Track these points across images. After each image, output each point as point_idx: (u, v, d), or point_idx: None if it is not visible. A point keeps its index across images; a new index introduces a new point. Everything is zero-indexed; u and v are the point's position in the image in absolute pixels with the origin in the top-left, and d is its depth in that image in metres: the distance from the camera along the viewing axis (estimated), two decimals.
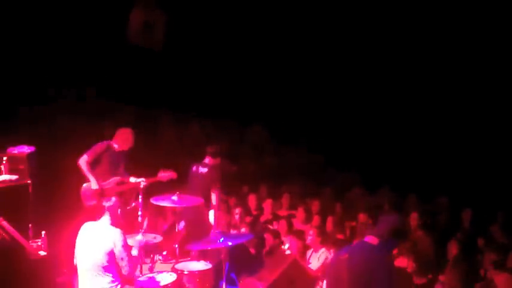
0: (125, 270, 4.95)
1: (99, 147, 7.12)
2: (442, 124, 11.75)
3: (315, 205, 9.26)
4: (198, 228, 7.06)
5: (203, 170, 7.18)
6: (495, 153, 10.76)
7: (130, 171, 7.23)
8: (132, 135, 7.34)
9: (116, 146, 7.23)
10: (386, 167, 11.42)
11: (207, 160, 7.26)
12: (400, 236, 4.04)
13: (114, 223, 5.02)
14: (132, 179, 7.06)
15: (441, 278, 6.07)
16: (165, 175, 7.08)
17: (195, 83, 11.98)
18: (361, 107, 12.56)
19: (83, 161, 6.97)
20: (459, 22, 10.89)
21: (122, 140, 7.25)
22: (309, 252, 7.02)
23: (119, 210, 5.07)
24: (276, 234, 7.62)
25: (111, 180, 7.06)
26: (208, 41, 11.93)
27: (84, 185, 7.04)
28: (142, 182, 6.71)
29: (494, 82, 11.14)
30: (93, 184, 6.96)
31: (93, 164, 7.03)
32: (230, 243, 5.32)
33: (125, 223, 5.44)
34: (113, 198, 5.07)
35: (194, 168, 7.31)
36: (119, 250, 4.88)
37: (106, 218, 5.02)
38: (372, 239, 3.95)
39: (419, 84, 12.00)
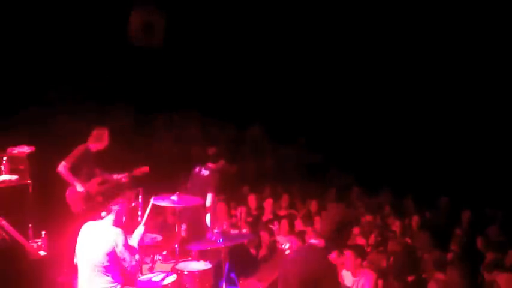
0: (129, 270, 4.96)
1: (77, 151, 7.18)
2: (442, 125, 11.76)
3: (314, 206, 9.25)
4: (196, 230, 7.08)
5: (205, 172, 7.23)
6: (494, 154, 10.77)
7: (115, 170, 7.39)
8: (107, 134, 7.42)
9: (92, 146, 7.31)
10: (386, 167, 11.44)
11: (210, 163, 7.31)
12: (345, 228, 3.88)
13: (116, 225, 5.04)
14: (115, 176, 7.28)
15: (437, 275, 6.07)
16: (138, 169, 7.40)
17: (194, 83, 11.97)
18: (361, 108, 12.56)
19: (62, 168, 7.01)
20: (459, 22, 10.88)
21: (97, 140, 7.33)
22: None
23: (124, 217, 5.09)
24: (272, 233, 7.63)
25: (91, 181, 7.15)
26: (207, 41, 11.92)
27: (68, 190, 7.07)
28: (123, 178, 7.11)
29: (493, 83, 11.13)
30: (78, 187, 7.02)
31: (73, 169, 7.08)
32: (230, 243, 5.34)
33: (126, 223, 5.45)
34: (122, 204, 5.09)
35: (197, 169, 7.36)
36: (120, 250, 4.89)
37: (109, 219, 5.03)
38: (317, 241, 3.82)
39: (419, 85, 12.00)
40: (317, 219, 8.51)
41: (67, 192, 7.09)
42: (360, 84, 12.56)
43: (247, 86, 12.45)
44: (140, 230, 5.35)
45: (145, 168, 7.51)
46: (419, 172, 11.03)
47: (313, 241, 3.85)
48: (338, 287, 3.75)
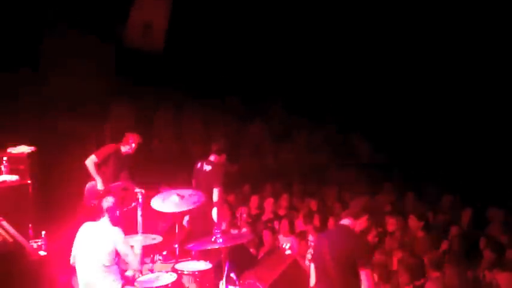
0: (133, 265, 4.97)
1: (108, 149, 7.23)
2: (443, 122, 11.75)
3: (314, 205, 9.24)
4: (201, 224, 7.07)
5: (207, 167, 7.16)
6: (495, 152, 10.76)
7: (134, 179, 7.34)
8: (140, 140, 7.47)
9: (123, 149, 7.31)
10: (387, 166, 11.43)
11: (212, 157, 7.24)
12: (372, 211, 4.44)
13: (114, 223, 5.05)
14: (137, 189, 7.12)
15: (434, 275, 6.07)
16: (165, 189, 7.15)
17: (195, 81, 11.97)
18: (361, 105, 12.55)
19: (91, 162, 7.05)
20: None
21: (129, 144, 7.35)
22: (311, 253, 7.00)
23: (117, 212, 5.10)
24: (274, 231, 7.63)
25: (116, 184, 7.15)
26: (210, 39, 11.90)
27: (89, 184, 7.07)
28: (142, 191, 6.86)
29: (496, 83, 11.12)
30: (99, 185, 7.03)
31: (100, 166, 7.09)
32: (230, 243, 5.34)
33: (125, 223, 5.45)
34: (110, 199, 5.09)
35: (199, 165, 7.28)
36: (121, 248, 4.90)
37: (106, 219, 5.04)
38: (348, 222, 4.38)
39: (421, 82, 11.98)
40: (317, 217, 8.50)
41: (87, 185, 7.09)
42: (360, 82, 12.53)
43: (248, 86, 12.45)
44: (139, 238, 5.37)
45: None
46: (421, 170, 11.02)
47: (344, 221, 4.39)
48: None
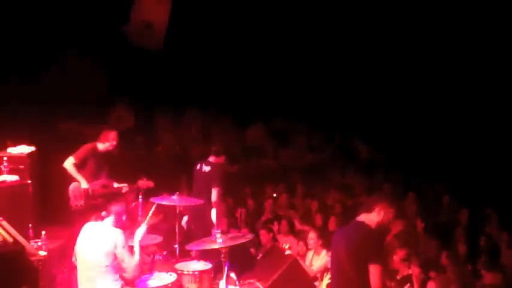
0: (128, 272, 4.95)
1: (85, 149, 7.15)
2: (442, 123, 11.77)
3: (314, 205, 9.26)
4: (200, 225, 7.08)
5: (206, 168, 7.21)
6: (494, 152, 10.77)
7: (118, 175, 7.30)
8: (116, 136, 7.38)
9: (100, 147, 7.26)
10: (386, 167, 11.45)
11: (211, 159, 7.29)
12: (387, 205, 4.52)
13: (117, 225, 5.05)
14: (115, 185, 7.14)
15: (432, 274, 6.09)
16: (143, 183, 7.21)
17: (195, 82, 11.98)
18: (361, 107, 12.57)
19: (69, 163, 7.01)
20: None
21: (106, 141, 7.29)
22: (310, 254, 7.01)
23: (124, 216, 5.10)
24: (270, 231, 7.64)
25: (97, 182, 7.12)
26: (209, 40, 11.91)
27: (72, 185, 7.05)
28: (124, 187, 6.79)
29: (495, 86, 11.13)
30: (82, 184, 6.98)
31: (79, 166, 7.07)
32: (230, 243, 5.34)
33: (126, 223, 5.44)
34: (121, 204, 5.11)
35: (198, 166, 7.34)
36: (119, 251, 4.89)
37: (110, 220, 5.04)
38: (365, 218, 4.45)
39: (420, 86, 12.00)
40: (318, 217, 8.51)
41: (71, 186, 7.04)
42: (358, 84, 12.55)
43: (248, 86, 12.45)
44: (142, 229, 5.33)
45: (150, 184, 7.32)
46: (421, 170, 11.05)
47: (361, 218, 4.48)
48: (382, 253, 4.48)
